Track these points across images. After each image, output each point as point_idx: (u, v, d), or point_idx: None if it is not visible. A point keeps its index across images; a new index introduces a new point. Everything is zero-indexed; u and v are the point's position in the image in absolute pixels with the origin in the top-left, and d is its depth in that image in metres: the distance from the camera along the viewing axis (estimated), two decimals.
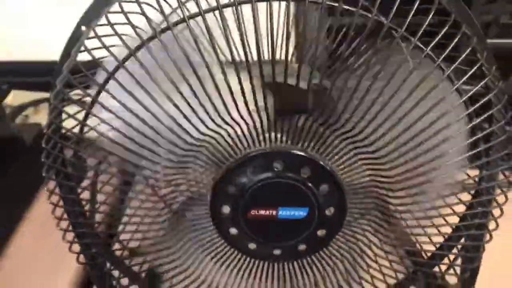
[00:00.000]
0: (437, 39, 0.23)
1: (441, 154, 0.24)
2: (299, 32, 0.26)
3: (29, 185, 0.52)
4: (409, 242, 0.35)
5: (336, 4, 0.23)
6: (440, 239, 0.34)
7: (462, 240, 0.33)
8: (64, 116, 0.28)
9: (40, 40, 0.60)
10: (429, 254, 0.36)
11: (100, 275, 0.35)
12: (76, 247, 0.32)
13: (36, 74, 0.63)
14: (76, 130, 0.27)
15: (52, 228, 0.39)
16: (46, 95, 0.59)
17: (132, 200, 0.30)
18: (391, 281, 0.36)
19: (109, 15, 0.26)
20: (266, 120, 0.26)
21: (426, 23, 0.23)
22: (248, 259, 0.30)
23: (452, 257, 0.35)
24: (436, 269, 0.36)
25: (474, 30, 0.26)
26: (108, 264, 0.35)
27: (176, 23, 0.23)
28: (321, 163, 0.26)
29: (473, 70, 0.25)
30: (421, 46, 0.24)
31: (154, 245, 0.30)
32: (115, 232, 0.34)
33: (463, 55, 0.24)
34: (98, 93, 0.25)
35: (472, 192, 0.31)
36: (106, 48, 0.24)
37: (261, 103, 0.25)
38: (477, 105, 0.25)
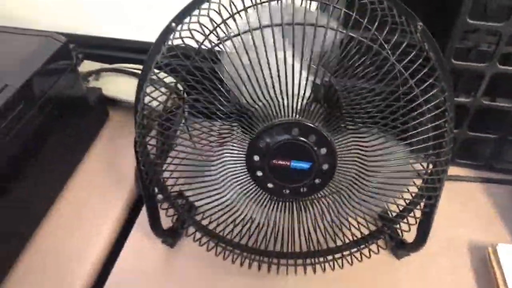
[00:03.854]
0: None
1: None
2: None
3: (93, 131, 0.68)
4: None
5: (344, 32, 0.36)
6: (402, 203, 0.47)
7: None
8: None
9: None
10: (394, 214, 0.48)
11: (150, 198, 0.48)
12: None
13: (100, 48, 0.76)
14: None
15: (108, 160, 0.59)
16: (105, 65, 0.72)
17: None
18: (365, 231, 0.48)
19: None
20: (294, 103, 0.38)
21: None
22: (266, 195, 0.42)
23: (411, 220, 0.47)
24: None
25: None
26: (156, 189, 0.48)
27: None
28: (323, 133, 0.37)
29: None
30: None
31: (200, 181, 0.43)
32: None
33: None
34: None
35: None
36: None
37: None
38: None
